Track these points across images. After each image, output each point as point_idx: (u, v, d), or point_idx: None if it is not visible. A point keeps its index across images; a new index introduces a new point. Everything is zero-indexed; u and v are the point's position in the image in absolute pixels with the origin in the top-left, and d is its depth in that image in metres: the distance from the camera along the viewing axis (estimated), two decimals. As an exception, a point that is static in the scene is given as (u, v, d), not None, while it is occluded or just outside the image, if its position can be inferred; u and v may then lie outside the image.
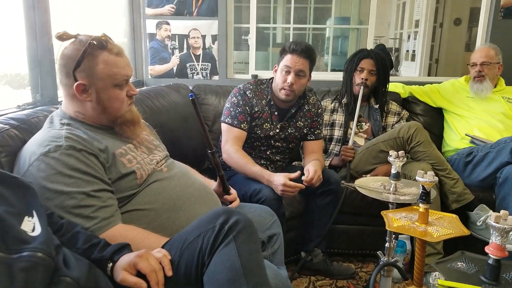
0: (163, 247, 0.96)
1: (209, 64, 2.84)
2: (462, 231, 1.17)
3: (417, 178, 1.23)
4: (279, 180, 1.66)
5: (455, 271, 0.96)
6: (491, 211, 1.85)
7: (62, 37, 1.13)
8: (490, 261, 0.92)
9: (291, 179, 1.67)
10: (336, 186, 1.89)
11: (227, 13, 2.75)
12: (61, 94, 1.86)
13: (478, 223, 1.83)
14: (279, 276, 1.11)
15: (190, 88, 2.42)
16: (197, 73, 2.86)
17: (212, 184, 1.49)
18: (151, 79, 2.85)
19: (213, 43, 2.80)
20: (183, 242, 0.92)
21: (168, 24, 2.75)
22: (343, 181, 1.72)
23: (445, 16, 5.62)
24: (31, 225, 0.73)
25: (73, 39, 1.14)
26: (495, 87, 2.35)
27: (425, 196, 1.23)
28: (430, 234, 1.16)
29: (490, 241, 0.92)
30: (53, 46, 1.76)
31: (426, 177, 1.21)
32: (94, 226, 1.00)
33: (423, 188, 1.22)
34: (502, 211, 0.91)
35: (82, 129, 1.13)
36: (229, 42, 2.84)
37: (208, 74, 2.86)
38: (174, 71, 2.84)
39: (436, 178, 1.25)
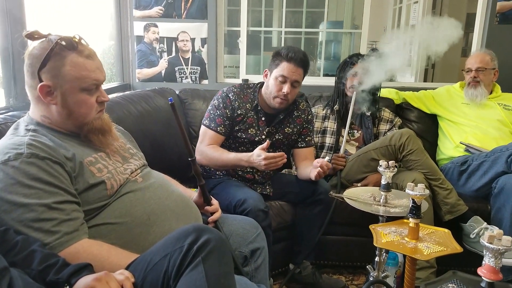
0: (127, 267, 0.88)
1: (199, 68, 2.77)
2: (455, 248, 1.10)
3: (407, 191, 1.16)
4: (258, 155, 1.59)
5: (447, 294, 0.88)
6: (485, 223, 1.78)
7: (33, 36, 1.05)
8: (483, 284, 0.85)
9: (265, 149, 1.59)
10: (326, 196, 1.81)
11: (217, 15, 2.69)
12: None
13: (472, 236, 1.76)
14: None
15: (177, 92, 2.35)
16: (186, 77, 2.79)
17: (193, 195, 1.41)
18: (139, 82, 2.77)
19: (203, 47, 2.73)
20: (148, 263, 0.84)
21: (156, 26, 2.68)
22: (331, 192, 1.64)
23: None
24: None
25: (43, 39, 1.06)
26: (490, 93, 2.30)
27: (415, 210, 1.16)
28: (420, 251, 1.09)
29: (483, 262, 0.85)
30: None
31: (416, 190, 1.14)
32: (54, 242, 0.91)
33: (413, 201, 1.15)
34: (496, 231, 0.84)
35: (49, 136, 1.05)
36: (219, 45, 2.77)
37: (198, 78, 2.78)
38: (163, 74, 2.77)
39: (427, 191, 1.18)
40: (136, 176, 1.20)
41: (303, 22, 5.28)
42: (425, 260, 1.73)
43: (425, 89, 2.55)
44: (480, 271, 0.85)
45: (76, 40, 1.08)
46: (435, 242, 1.14)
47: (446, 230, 1.22)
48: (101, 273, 0.80)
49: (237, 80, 2.88)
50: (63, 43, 1.03)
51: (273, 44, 5.76)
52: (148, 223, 1.11)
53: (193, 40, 2.71)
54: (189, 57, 2.75)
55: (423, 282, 1.61)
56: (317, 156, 2.20)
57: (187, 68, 2.77)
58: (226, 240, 0.87)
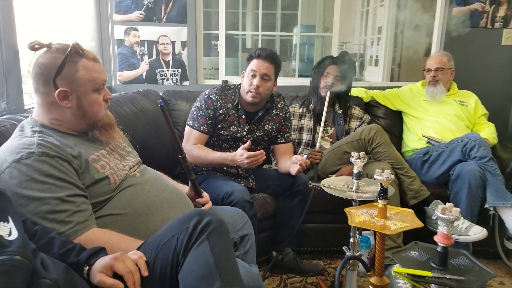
0: (138, 249, 1.00)
1: (179, 70, 2.88)
2: (417, 223, 1.28)
3: (375, 176, 1.33)
4: (241, 155, 1.75)
5: (409, 259, 1.05)
6: (443, 205, 1.99)
7: (34, 46, 1.14)
8: (438, 249, 1.02)
9: (247, 149, 1.75)
10: (304, 187, 1.98)
11: (196, 19, 2.80)
12: (28, 102, 1.85)
13: (433, 217, 1.97)
14: (251, 273, 1.18)
15: (160, 94, 2.45)
16: (167, 79, 2.89)
17: (185, 189, 1.53)
18: (120, 85, 2.85)
19: (183, 49, 2.84)
20: (158, 243, 0.97)
21: (136, 30, 2.77)
22: (310, 182, 1.80)
23: (406, 23, 5.87)
24: (7, 230, 0.76)
25: (46, 48, 1.16)
26: (448, 91, 2.53)
27: (383, 193, 1.33)
28: (388, 227, 1.26)
29: (438, 231, 1.02)
30: (18, 52, 1.75)
31: (383, 176, 1.32)
32: (69, 231, 1.02)
33: (381, 185, 1.33)
34: (447, 204, 1.02)
35: (55, 136, 1.15)
36: (199, 48, 2.89)
37: (178, 79, 2.89)
38: (144, 77, 2.86)
39: (393, 176, 1.36)
40: (134, 171, 1.31)
41: (278, 25, 5.46)
42: (393, 241, 1.94)
43: (392, 87, 2.77)
44: (435, 238, 1.03)
45: (79, 46, 1.18)
46: (400, 220, 1.32)
47: (410, 210, 1.40)
48: (117, 253, 0.93)
49: (217, 81, 3.00)
50: (73, 50, 1.13)
51: (247, 45, 5.91)
52: (149, 213, 1.23)
53: (173, 43, 2.82)
54: (169, 60, 2.86)
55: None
56: (295, 152, 2.36)
57: (168, 70, 2.87)
58: (225, 222, 0.99)
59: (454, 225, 1.76)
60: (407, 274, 0.99)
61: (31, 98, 1.88)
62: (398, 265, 1.83)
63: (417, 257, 1.07)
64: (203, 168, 2.03)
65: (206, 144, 1.99)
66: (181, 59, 2.86)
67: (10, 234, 0.75)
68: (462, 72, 2.74)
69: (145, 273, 0.92)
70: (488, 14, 2.87)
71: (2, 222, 0.75)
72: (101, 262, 0.91)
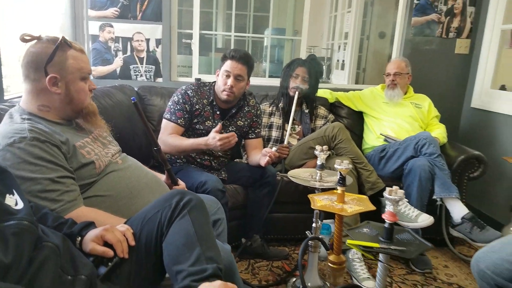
0: (124, 223, 1.12)
1: (153, 67, 2.96)
2: (370, 207, 1.47)
3: (335, 166, 1.51)
4: (213, 138, 1.86)
5: (361, 234, 1.22)
6: (398, 196, 2.22)
7: (25, 38, 1.23)
8: (386, 225, 1.20)
9: (218, 132, 1.88)
10: (273, 178, 2.14)
11: (171, 18, 2.90)
12: (9, 90, 1.90)
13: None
14: (224, 249, 1.31)
15: (136, 89, 2.54)
16: (141, 75, 2.96)
17: (162, 177, 1.64)
18: (94, 79, 2.89)
19: (157, 47, 2.93)
20: (143, 218, 1.08)
21: (111, 26, 2.83)
22: (278, 172, 1.96)
23: (371, 30, 6.19)
24: (14, 201, 0.85)
25: (35, 40, 1.25)
26: (405, 94, 2.76)
27: (341, 181, 1.51)
28: (345, 210, 1.44)
29: (385, 210, 1.20)
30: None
31: (342, 165, 1.49)
32: (59, 208, 1.12)
33: (340, 174, 1.50)
34: (394, 187, 1.20)
35: (43, 124, 1.24)
36: (173, 46, 2.99)
37: (152, 76, 2.97)
38: (118, 72, 2.92)
39: (350, 166, 1.54)
40: (116, 158, 1.42)
41: (248, 25, 5.62)
42: (351, 224, 2.12)
43: (356, 90, 2.99)
44: (383, 216, 1.20)
45: (67, 39, 1.28)
46: (356, 204, 1.50)
47: (365, 196, 1.59)
48: (107, 225, 1.04)
49: (190, 79, 3.11)
50: (63, 41, 1.23)
51: (219, 45, 6.04)
52: (131, 196, 1.34)
53: (147, 40, 2.90)
54: (143, 57, 2.93)
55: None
56: (264, 147, 2.51)
57: (141, 67, 2.95)
58: (203, 201, 1.12)
59: (401, 210, 1.97)
60: (359, 245, 1.16)
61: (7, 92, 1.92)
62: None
63: (368, 233, 1.25)
64: (178, 160, 2.14)
65: (181, 137, 2.10)
66: (155, 56, 2.94)
67: (16, 204, 0.84)
68: (419, 77, 3.01)
69: (132, 242, 1.04)
70: (443, 25, 3.14)
71: (8, 195, 0.85)
72: (92, 233, 1.02)
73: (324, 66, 5.29)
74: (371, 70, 6.18)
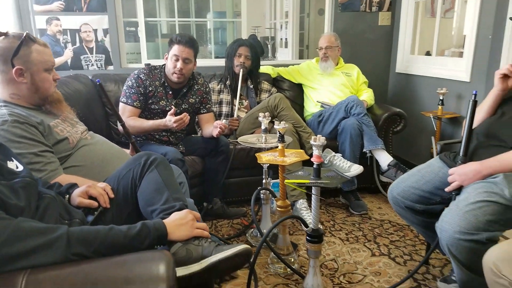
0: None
1: (103, 56, 3.10)
2: (304, 157, 1.79)
3: (274, 126, 1.81)
4: (170, 120, 2.10)
5: (297, 176, 1.54)
6: (333, 152, 2.58)
7: None
8: (314, 166, 1.52)
9: (173, 115, 2.11)
10: (226, 147, 2.42)
11: (116, 8, 3.03)
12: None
13: (326, 162, 2.55)
14: (188, 202, 1.58)
15: (90, 77, 2.69)
16: (92, 64, 3.09)
17: (126, 150, 1.87)
18: (46, 72, 2.98)
19: (105, 36, 3.06)
20: (118, 177, 1.33)
21: (58, 19, 2.92)
22: (229, 139, 2.24)
23: (311, 7, 6.51)
24: (14, 165, 1.06)
25: (3, 36, 1.42)
26: (336, 65, 3.12)
27: (281, 138, 1.82)
28: (285, 161, 1.75)
29: (313, 154, 1.52)
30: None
31: (280, 125, 1.80)
32: (45, 176, 1.33)
33: (279, 132, 1.81)
34: (318, 135, 1.52)
35: (18, 109, 1.43)
36: (120, 35, 3.13)
37: (103, 64, 3.11)
38: (69, 63, 3.03)
39: (287, 125, 1.85)
40: (85, 135, 1.63)
41: (191, 10, 5.76)
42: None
43: (299, 64, 3.28)
44: (312, 159, 1.52)
45: (31, 34, 1.46)
46: (294, 157, 1.82)
47: (301, 150, 1.91)
48: (90, 183, 1.27)
49: (140, 64, 3.27)
50: (27, 37, 1.41)
51: (164, 31, 6.13)
52: (102, 165, 1.57)
53: (95, 31, 3.03)
54: (93, 47, 3.06)
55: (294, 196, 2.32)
56: (216, 122, 2.78)
57: (92, 56, 3.08)
58: (166, 159, 1.38)
59: (337, 164, 2.33)
60: (294, 183, 1.48)
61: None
62: (302, 201, 2.35)
63: (302, 174, 1.56)
64: (138, 138, 2.36)
65: (139, 117, 2.32)
66: (104, 45, 3.08)
67: (17, 167, 1.06)
68: (348, 49, 3.38)
69: (112, 195, 1.28)
70: (366, 0, 3.50)
71: (8, 161, 1.06)
72: (78, 190, 1.25)
73: (269, 45, 5.58)
74: (315, 46, 6.53)
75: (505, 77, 1.62)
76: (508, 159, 1.41)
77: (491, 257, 1.10)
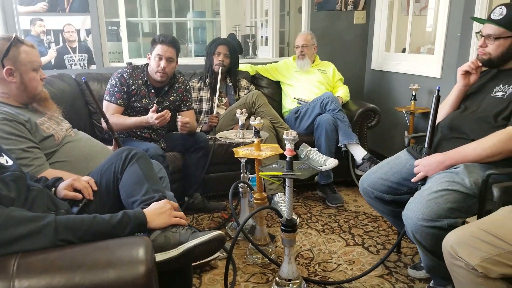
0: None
1: (86, 55, 3.16)
2: (279, 151, 1.91)
3: (250, 122, 1.92)
4: (151, 117, 2.20)
5: (271, 168, 1.65)
6: (310, 147, 2.71)
7: None
8: (287, 159, 1.64)
9: (155, 112, 2.22)
10: (205, 143, 2.52)
11: (98, 8, 3.09)
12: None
13: (302, 156, 2.67)
14: (168, 195, 1.68)
15: (73, 76, 2.76)
16: (75, 64, 3.15)
17: (110, 148, 1.96)
18: (29, 71, 3.02)
19: (88, 36, 3.12)
20: (100, 171, 1.42)
21: (42, 20, 2.97)
22: (208, 135, 2.34)
23: (291, 5, 6.60)
24: (4, 160, 1.15)
25: None
26: (313, 62, 3.24)
27: (257, 134, 1.93)
28: (261, 155, 1.87)
29: (286, 147, 1.63)
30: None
31: (255, 121, 1.91)
32: (32, 170, 1.42)
33: (255, 128, 1.93)
34: (290, 130, 1.63)
35: (7, 107, 1.51)
36: (103, 35, 3.19)
37: (86, 64, 3.17)
38: (53, 63, 3.08)
39: (262, 121, 1.96)
40: (70, 132, 1.72)
41: (173, 10, 5.82)
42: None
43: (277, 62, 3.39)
44: (285, 153, 1.63)
45: (19, 36, 1.54)
46: (269, 151, 1.94)
47: (277, 145, 2.03)
48: (74, 176, 1.36)
49: (122, 63, 3.34)
50: (16, 38, 1.49)
51: (145, 30, 6.16)
52: (86, 161, 1.65)
53: (78, 31, 3.08)
54: (76, 46, 3.12)
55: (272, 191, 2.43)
56: (197, 119, 2.88)
57: (75, 56, 3.14)
58: (146, 154, 1.48)
59: (313, 158, 2.45)
60: (268, 175, 1.59)
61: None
62: (279, 194, 2.46)
63: (276, 167, 1.68)
64: (121, 135, 2.44)
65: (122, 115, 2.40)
66: (87, 45, 3.14)
67: (7, 162, 1.15)
68: (324, 47, 3.51)
69: (95, 188, 1.37)
70: (342, -1, 3.63)
71: (-1, 156, 1.15)
72: (63, 183, 1.34)
73: (249, 43, 5.67)
74: (293, 44, 6.63)
75: (466, 73, 1.73)
76: (468, 150, 1.51)
77: (449, 241, 1.19)
